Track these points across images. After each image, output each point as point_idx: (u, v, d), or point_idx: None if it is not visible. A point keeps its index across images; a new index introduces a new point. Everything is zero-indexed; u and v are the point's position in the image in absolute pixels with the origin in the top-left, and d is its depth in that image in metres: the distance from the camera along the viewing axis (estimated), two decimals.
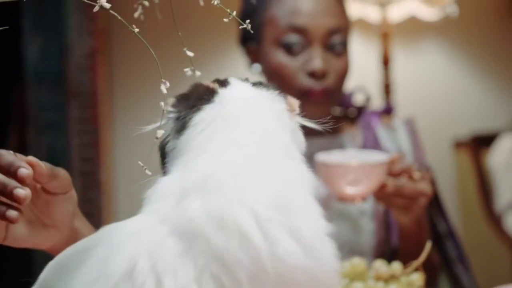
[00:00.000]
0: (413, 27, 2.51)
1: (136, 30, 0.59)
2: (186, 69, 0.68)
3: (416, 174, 1.08)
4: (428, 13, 2.30)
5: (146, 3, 0.72)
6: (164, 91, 0.59)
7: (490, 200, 2.35)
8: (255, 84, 0.65)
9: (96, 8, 0.55)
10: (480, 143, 2.47)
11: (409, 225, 1.15)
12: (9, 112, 2.13)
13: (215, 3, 0.61)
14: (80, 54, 1.73)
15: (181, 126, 0.59)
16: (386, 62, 2.29)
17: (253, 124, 0.59)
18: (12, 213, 0.60)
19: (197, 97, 0.60)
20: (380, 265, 0.94)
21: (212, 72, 2.27)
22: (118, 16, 0.55)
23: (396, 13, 2.31)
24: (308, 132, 1.26)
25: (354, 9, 2.30)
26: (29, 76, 1.75)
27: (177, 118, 0.60)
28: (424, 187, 1.08)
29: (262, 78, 1.28)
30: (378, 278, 0.92)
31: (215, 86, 0.62)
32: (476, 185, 2.39)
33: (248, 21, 0.62)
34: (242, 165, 0.55)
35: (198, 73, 0.68)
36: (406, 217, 1.12)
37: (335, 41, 1.21)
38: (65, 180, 0.71)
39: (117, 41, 2.21)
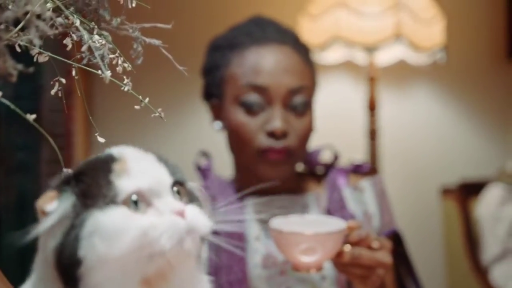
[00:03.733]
0: (401, 72, 2.48)
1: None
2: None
3: (375, 243, 1.04)
4: (416, 58, 2.27)
5: (63, 80, 0.70)
6: None
7: (476, 251, 2.29)
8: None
9: None
10: (468, 191, 2.42)
11: None
12: None
13: (126, 89, 0.58)
14: (54, 95, 1.70)
15: None
16: (372, 107, 2.26)
17: None
18: None
19: None
20: None
21: (177, 127, 2.27)
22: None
23: (384, 57, 2.28)
24: (270, 192, 1.23)
25: (341, 52, 2.28)
26: (1, 116, 1.72)
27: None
28: (383, 257, 1.04)
29: (223, 135, 1.25)
30: None
31: None
32: (462, 235, 2.34)
33: (160, 109, 0.58)
34: None
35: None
36: (365, 287, 1.07)
37: (297, 101, 1.18)
38: None
39: (98, 82, 2.20)
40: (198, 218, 0.57)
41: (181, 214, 0.55)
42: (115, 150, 0.59)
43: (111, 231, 0.52)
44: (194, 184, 0.62)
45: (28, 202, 1.72)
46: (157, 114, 0.57)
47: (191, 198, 0.60)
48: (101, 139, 0.60)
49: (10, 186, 1.74)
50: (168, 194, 0.57)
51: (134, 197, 0.55)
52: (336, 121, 2.44)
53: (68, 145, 1.76)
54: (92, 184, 0.54)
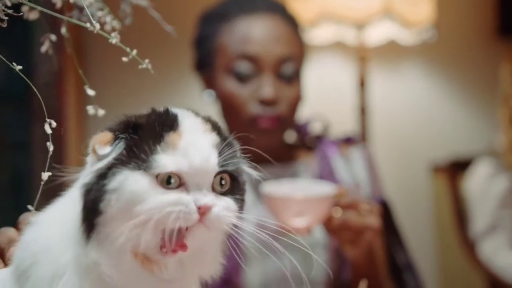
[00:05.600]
0: (391, 51, 2.49)
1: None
2: (88, 107, 0.66)
3: (363, 207, 1.06)
4: (406, 37, 2.28)
5: (53, 37, 0.71)
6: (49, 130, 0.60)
7: (466, 227, 2.32)
8: None
9: None
10: (458, 168, 2.44)
11: (359, 258, 1.12)
12: None
13: (114, 41, 0.60)
14: (47, 72, 1.71)
15: None
16: (362, 85, 2.27)
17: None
18: None
19: None
20: None
21: (170, 97, 2.27)
22: None
23: (374, 37, 2.29)
24: (261, 160, 1.25)
25: (331, 31, 2.28)
26: None
27: None
28: (371, 220, 1.06)
29: (214, 105, 1.26)
30: None
31: None
32: (452, 212, 2.36)
33: (147, 60, 0.60)
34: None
35: (101, 111, 0.66)
36: (354, 250, 1.10)
37: (287, 69, 1.20)
38: None
39: (93, 57, 2.19)
40: (220, 218, 0.55)
41: (203, 211, 0.53)
42: (181, 114, 0.57)
43: (130, 196, 0.52)
44: (251, 170, 0.60)
45: (21, 179, 1.73)
46: (144, 66, 0.59)
47: (234, 189, 0.57)
48: (90, 92, 0.61)
49: (4, 164, 1.75)
50: (207, 183, 0.54)
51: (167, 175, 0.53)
52: (326, 101, 2.45)
53: (60, 122, 1.76)
54: (139, 144, 0.53)
